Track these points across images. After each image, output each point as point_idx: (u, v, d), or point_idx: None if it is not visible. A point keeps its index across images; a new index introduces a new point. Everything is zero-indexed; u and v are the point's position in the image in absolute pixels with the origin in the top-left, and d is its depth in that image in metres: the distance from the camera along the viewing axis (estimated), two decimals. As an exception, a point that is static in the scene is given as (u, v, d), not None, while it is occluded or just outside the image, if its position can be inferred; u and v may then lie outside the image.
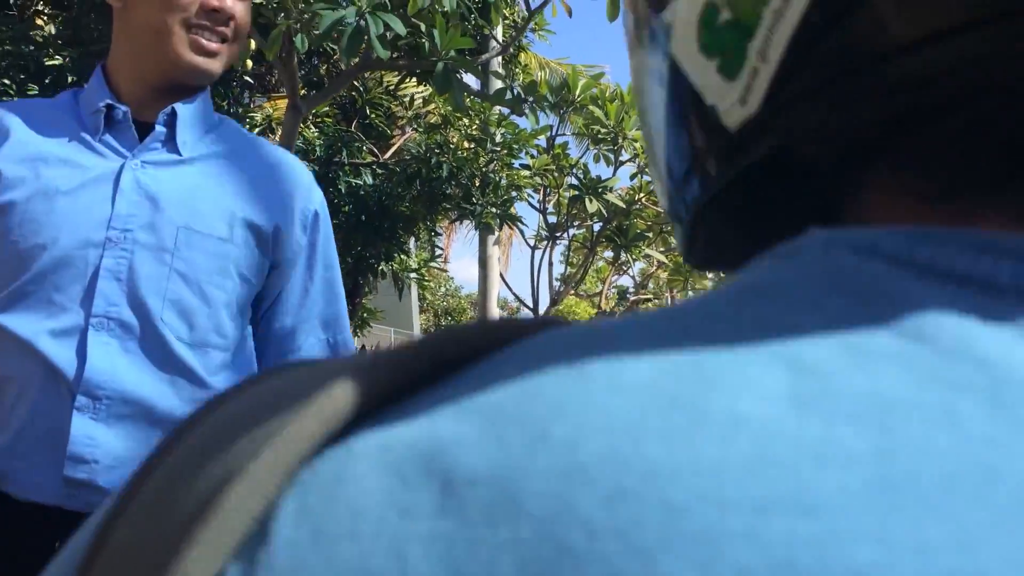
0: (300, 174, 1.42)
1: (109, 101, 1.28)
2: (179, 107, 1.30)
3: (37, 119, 1.30)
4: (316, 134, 5.91)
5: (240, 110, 5.20)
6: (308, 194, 1.39)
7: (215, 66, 1.31)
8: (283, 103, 5.32)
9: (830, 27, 0.19)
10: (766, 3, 0.20)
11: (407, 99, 6.51)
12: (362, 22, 3.35)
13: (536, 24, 5.99)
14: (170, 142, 1.30)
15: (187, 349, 1.26)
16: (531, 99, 4.54)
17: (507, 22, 6.39)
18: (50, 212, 1.23)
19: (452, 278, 26.43)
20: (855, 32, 0.19)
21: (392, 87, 6.41)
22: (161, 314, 1.25)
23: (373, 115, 6.09)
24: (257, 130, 5.27)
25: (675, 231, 0.28)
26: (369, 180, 5.88)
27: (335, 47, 3.81)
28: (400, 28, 3.44)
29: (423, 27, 3.80)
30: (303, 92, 4.34)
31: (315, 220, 1.40)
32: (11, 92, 5.03)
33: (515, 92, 4.50)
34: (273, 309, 1.40)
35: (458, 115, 5.91)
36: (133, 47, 1.30)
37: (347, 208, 5.75)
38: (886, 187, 0.21)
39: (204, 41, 1.28)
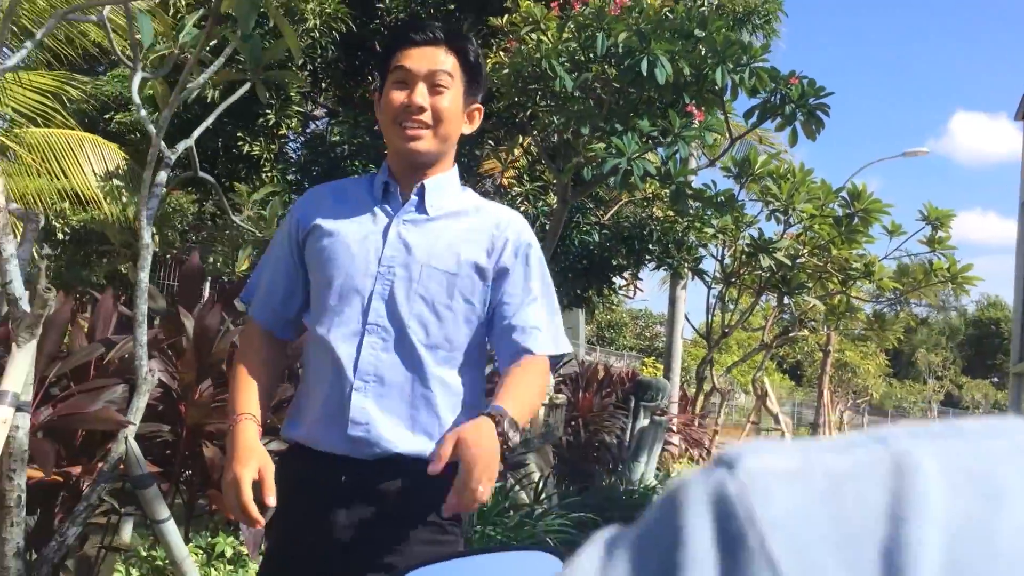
0: (514, 219, 1.78)
1: (386, 180, 1.73)
2: (427, 181, 1.71)
3: (347, 192, 1.78)
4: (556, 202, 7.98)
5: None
6: (520, 231, 1.75)
7: (422, 147, 1.68)
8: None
9: None
10: None
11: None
12: (628, 167, 5.31)
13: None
14: (421, 205, 1.71)
15: (424, 349, 1.64)
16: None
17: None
18: (345, 254, 1.67)
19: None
20: None
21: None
22: (408, 324, 1.64)
23: (599, 187, 8.09)
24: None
25: None
26: (596, 238, 7.88)
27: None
28: (651, 169, 5.39)
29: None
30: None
31: (527, 248, 1.74)
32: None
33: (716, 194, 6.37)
34: (497, 311, 1.71)
35: (664, 192, 7.81)
36: (387, 139, 1.73)
37: (580, 263, 7.80)
38: None
39: (408, 131, 1.67)
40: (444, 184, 1.74)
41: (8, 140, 7.09)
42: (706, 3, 8.29)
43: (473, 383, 1.72)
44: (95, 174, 7.59)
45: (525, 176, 7.95)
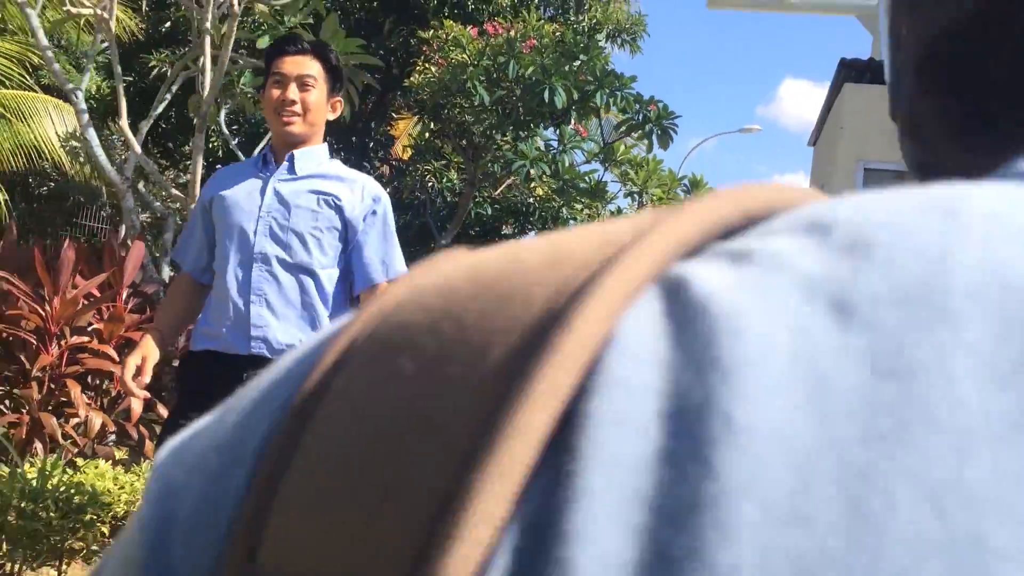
0: (369, 180, 2.33)
1: (265, 153, 2.29)
2: (296, 151, 2.24)
3: (239, 169, 2.38)
4: (456, 178, 9.65)
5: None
6: (374, 188, 2.30)
7: (295, 130, 2.22)
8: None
9: None
10: None
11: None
12: (530, 167, 7.04)
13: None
14: (292, 168, 2.23)
15: (300, 267, 2.18)
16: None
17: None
18: (235, 208, 2.22)
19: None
20: None
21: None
22: (286, 251, 2.18)
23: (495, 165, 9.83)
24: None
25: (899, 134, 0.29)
26: (488, 211, 9.62)
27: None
28: (546, 169, 7.15)
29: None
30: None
31: (379, 200, 2.28)
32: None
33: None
34: (356, 255, 2.26)
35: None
36: (269, 124, 2.39)
37: (474, 230, 9.53)
38: None
39: (284, 118, 2.21)
40: (311, 155, 2.26)
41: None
42: (586, 20, 10.12)
43: (342, 293, 2.26)
44: (58, 135, 8.64)
45: (430, 156, 9.55)
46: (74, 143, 8.57)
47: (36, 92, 8.79)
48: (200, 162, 3.57)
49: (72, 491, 2.61)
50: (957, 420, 0.12)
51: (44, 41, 3.80)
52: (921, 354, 0.13)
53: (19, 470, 2.74)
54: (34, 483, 2.62)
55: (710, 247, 0.16)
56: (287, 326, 2.16)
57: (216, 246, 2.25)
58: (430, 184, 9.24)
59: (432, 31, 7.90)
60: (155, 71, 7.71)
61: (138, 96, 8.57)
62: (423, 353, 0.14)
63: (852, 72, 5.83)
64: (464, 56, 7.40)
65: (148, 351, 2.18)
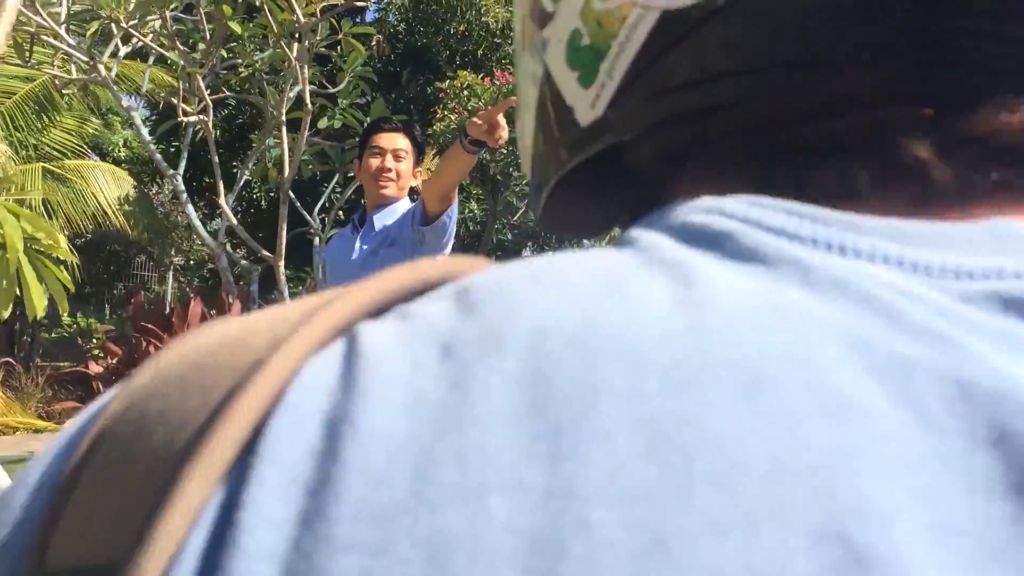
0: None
1: (356, 217, 2.72)
2: (374, 216, 2.63)
3: (343, 232, 2.80)
4: (476, 208, 10.52)
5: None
6: (408, 206, 2.65)
7: (389, 192, 2.60)
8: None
9: (653, 62, 0.26)
10: (615, 37, 0.26)
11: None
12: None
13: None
14: (371, 228, 2.63)
15: None
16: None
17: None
18: (338, 265, 2.70)
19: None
20: (666, 67, 0.26)
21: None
22: None
23: (513, 197, 10.67)
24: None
25: (531, 198, 0.35)
26: (508, 236, 10.46)
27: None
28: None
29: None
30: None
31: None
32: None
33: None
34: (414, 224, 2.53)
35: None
36: (366, 189, 2.71)
37: (496, 254, 10.39)
38: (691, 181, 0.27)
39: (381, 183, 2.59)
40: (390, 212, 2.64)
41: (55, 169, 9.01)
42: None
43: None
44: (108, 198, 9.60)
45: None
46: (126, 206, 9.53)
47: (95, 160, 9.76)
48: (284, 228, 4.44)
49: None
50: (484, 418, 0.18)
51: (147, 136, 4.69)
52: (475, 374, 0.18)
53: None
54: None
55: (393, 308, 0.22)
56: None
57: None
58: (453, 217, 10.18)
59: (448, 81, 8.73)
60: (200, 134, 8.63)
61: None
62: (144, 420, 0.20)
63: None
64: (479, 103, 8.23)
65: None
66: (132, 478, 0.19)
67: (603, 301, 0.20)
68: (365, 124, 5.04)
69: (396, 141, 2.64)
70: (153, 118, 9.30)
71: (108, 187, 9.65)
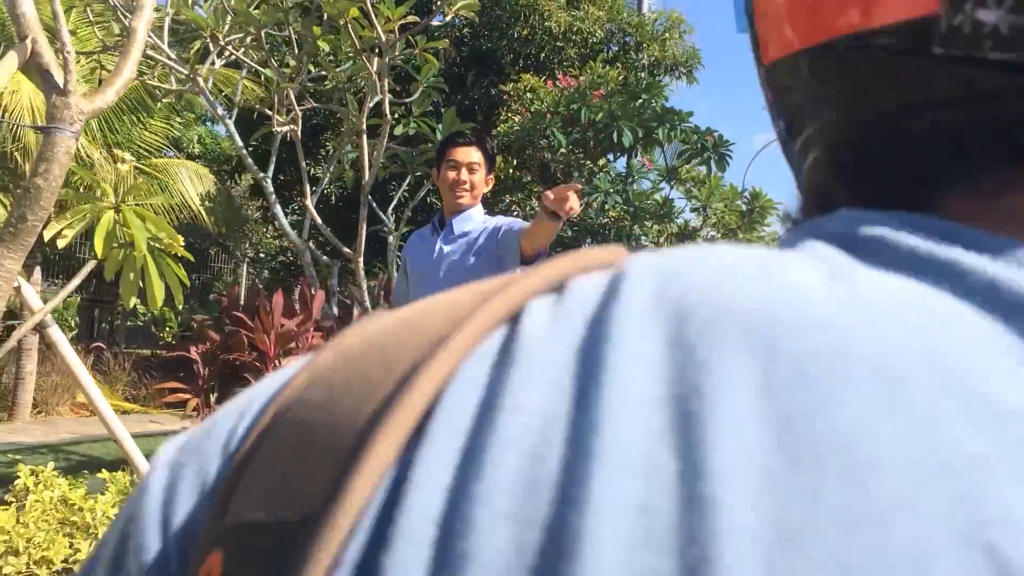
0: (491, 220, 2.90)
1: (435, 220, 2.97)
2: (453, 220, 2.89)
3: (422, 232, 3.04)
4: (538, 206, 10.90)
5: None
6: (495, 222, 2.87)
7: (465, 202, 2.89)
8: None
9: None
10: None
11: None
12: (605, 198, 8.19)
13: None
14: (451, 230, 2.89)
15: None
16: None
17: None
18: (420, 263, 2.93)
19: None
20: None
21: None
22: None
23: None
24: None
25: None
26: (569, 233, 10.79)
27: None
28: (619, 199, 8.31)
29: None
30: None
31: (496, 223, 2.86)
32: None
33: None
34: (503, 244, 2.76)
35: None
36: (444, 197, 2.97)
37: (557, 249, 10.73)
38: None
39: (457, 193, 2.88)
40: (466, 218, 2.92)
41: (145, 167, 9.64)
42: (644, 57, 11.23)
43: None
44: (199, 195, 10.19)
45: (514, 189, 10.82)
46: (207, 203, 10.11)
47: (180, 158, 10.39)
48: (364, 229, 4.85)
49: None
50: (622, 400, 0.19)
51: (239, 141, 5.13)
52: (616, 353, 0.20)
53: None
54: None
55: (555, 290, 0.23)
56: None
57: (411, 290, 3.05)
58: (515, 213, 10.53)
59: (512, 84, 9.11)
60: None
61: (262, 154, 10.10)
62: (331, 391, 0.22)
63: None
64: (541, 105, 8.59)
65: None
66: (319, 443, 0.21)
67: (750, 283, 0.20)
68: (437, 130, 5.49)
69: (470, 155, 2.91)
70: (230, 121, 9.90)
71: (192, 183, 10.25)
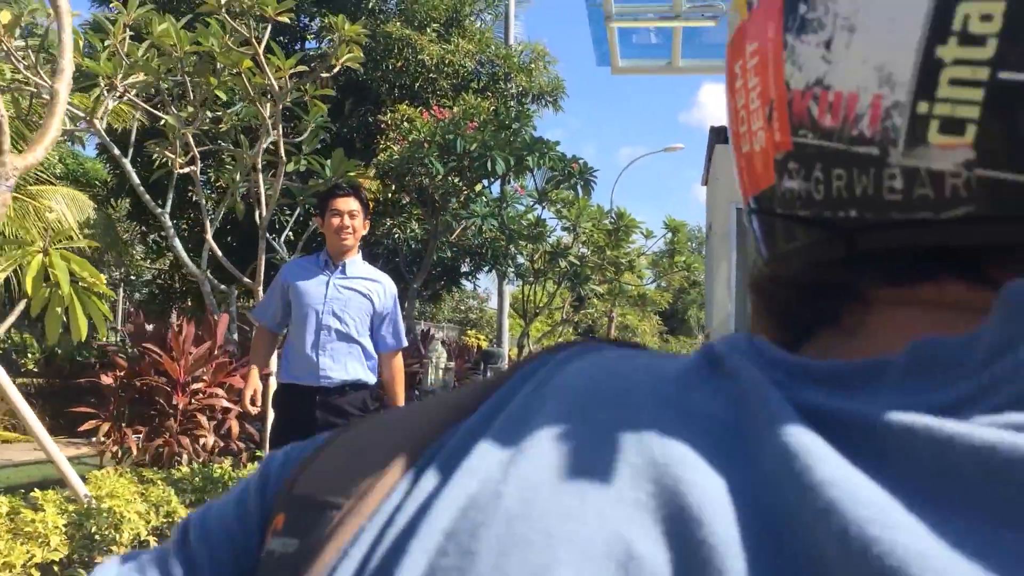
0: (388, 281, 3.55)
1: (326, 258, 3.47)
2: (347, 259, 3.45)
3: (306, 263, 3.54)
4: (418, 228, 11.40)
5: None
6: (389, 286, 3.52)
7: (348, 244, 3.44)
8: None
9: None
10: None
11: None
12: (482, 222, 8.82)
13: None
14: (344, 272, 3.43)
15: (352, 334, 3.42)
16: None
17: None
18: (307, 294, 3.41)
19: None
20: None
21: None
22: (342, 325, 3.41)
23: (451, 217, 11.58)
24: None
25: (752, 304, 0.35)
26: (448, 254, 11.37)
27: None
28: (495, 223, 8.94)
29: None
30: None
31: (392, 294, 3.52)
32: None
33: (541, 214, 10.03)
34: (378, 328, 3.48)
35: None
36: (328, 240, 3.49)
37: (436, 270, 11.26)
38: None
39: (342, 237, 3.41)
40: (356, 262, 3.49)
41: (23, 196, 9.61)
42: (513, 87, 11.96)
43: (371, 350, 3.50)
44: (77, 222, 10.22)
45: (393, 212, 11.33)
46: (87, 230, 10.17)
47: (57, 185, 10.39)
48: (263, 259, 5.29)
49: (231, 479, 4.30)
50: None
51: (136, 180, 5.46)
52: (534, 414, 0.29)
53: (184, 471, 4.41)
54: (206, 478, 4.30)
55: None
56: (341, 370, 3.42)
57: (292, 316, 3.45)
58: (396, 235, 11.02)
59: (389, 113, 9.62)
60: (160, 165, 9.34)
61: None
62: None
63: (721, 136, 7.73)
64: (419, 135, 9.13)
65: (256, 385, 3.51)
66: (360, 455, 0.30)
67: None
68: (325, 166, 5.96)
69: (350, 204, 3.41)
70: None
71: (70, 209, 10.27)
